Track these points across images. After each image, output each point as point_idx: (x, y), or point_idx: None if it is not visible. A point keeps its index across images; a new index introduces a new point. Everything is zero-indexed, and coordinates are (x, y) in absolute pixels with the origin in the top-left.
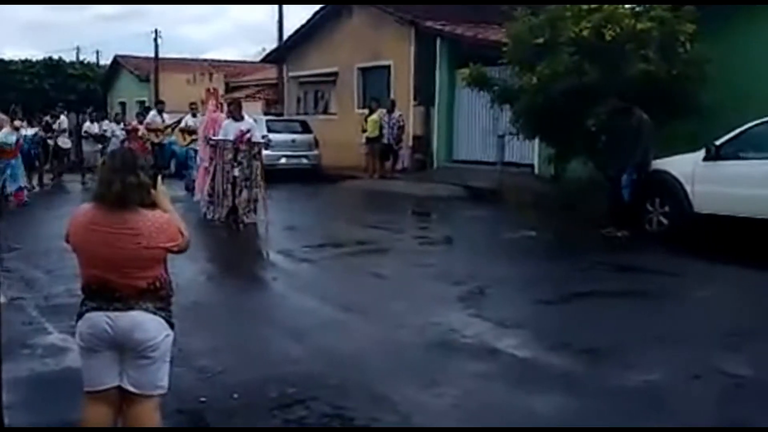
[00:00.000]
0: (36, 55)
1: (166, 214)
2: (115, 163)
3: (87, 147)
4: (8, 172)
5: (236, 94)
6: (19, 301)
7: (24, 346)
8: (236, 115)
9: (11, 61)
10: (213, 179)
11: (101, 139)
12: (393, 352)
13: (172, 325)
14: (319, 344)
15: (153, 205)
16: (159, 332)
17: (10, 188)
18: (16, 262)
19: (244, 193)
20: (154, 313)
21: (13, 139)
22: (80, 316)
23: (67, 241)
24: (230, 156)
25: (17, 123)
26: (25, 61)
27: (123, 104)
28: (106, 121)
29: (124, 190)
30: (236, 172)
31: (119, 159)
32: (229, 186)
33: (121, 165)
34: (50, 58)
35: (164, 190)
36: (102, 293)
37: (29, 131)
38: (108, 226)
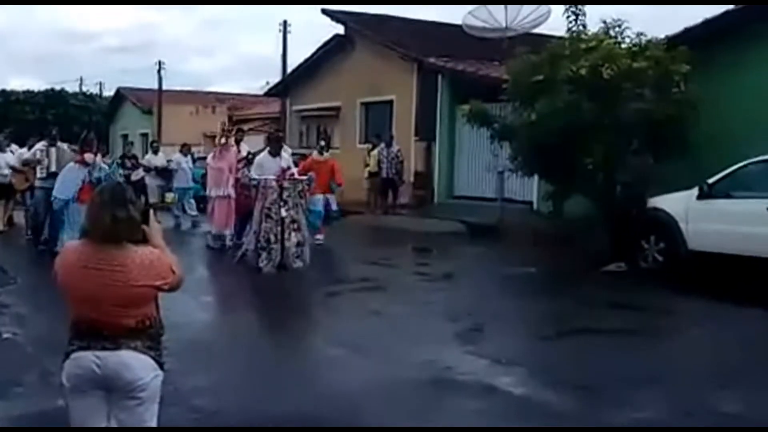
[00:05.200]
0: (39, 86)
1: (157, 251)
2: (105, 197)
3: (149, 181)
4: (68, 218)
5: (239, 127)
6: (14, 337)
7: (18, 384)
8: (273, 151)
9: (13, 92)
10: (260, 224)
11: (165, 173)
12: (389, 390)
13: (161, 365)
14: (315, 382)
15: (144, 240)
16: (148, 372)
17: (66, 236)
18: (13, 297)
19: (293, 237)
20: (144, 353)
21: (73, 189)
22: (67, 356)
23: (56, 279)
24: (275, 196)
25: (89, 156)
26: (27, 92)
27: (125, 136)
28: (177, 154)
29: (114, 225)
30: (283, 212)
31: (108, 193)
32: (279, 229)
33: (110, 199)
34: (52, 89)
35: (157, 226)
36: (90, 332)
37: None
38: (96, 263)
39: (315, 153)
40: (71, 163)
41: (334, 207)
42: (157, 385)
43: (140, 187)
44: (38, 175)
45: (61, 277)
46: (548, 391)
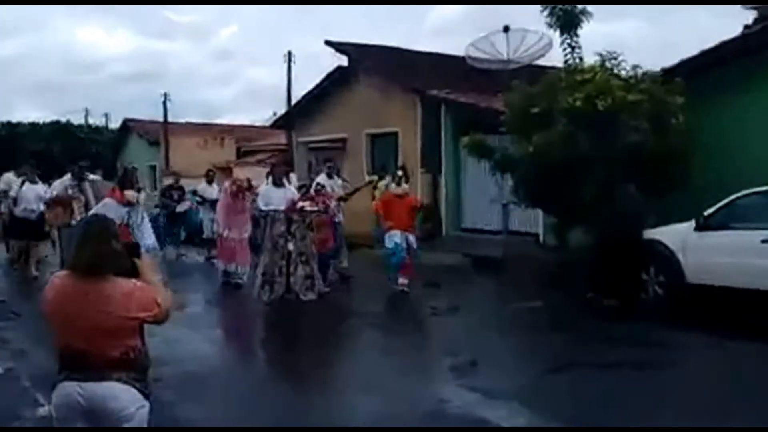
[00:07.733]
0: (44, 117)
1: (140, 283)
2: (89, 230)
3: (204, 215)
4: None
5: (247, 159)
6: (12, 371)
7: (15, 418)
8: (278, 181)
9: (18, 124)
10: (268, 256)
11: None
12: (388, 424)
13: (147, 396)
14: (313, 415)
15: (131, 273)
16: (132, 403)
17: None
18: (14, 331)
19: (300, 269)
20: (129, 384)
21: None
22: (54, 386)
23: (43, 309)
24: (283, 228)
25: (131, 194)
26: (33, 124)
27: (134, 169)
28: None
29: (96, 258)
30: (290, 246)
31: (93, 226)
32: (284, 263)
33: (96, 233)
34: (58, 121)
35: (149, 262)
36: (75, 363)
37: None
38: (80, 295)
39: (392, 185)
40: (109, 199)
41: (414, 246)
42: (143, 416)
43: (184, 217)
44: (77, 216)
45: (47, 307)
46: (543, 425)
